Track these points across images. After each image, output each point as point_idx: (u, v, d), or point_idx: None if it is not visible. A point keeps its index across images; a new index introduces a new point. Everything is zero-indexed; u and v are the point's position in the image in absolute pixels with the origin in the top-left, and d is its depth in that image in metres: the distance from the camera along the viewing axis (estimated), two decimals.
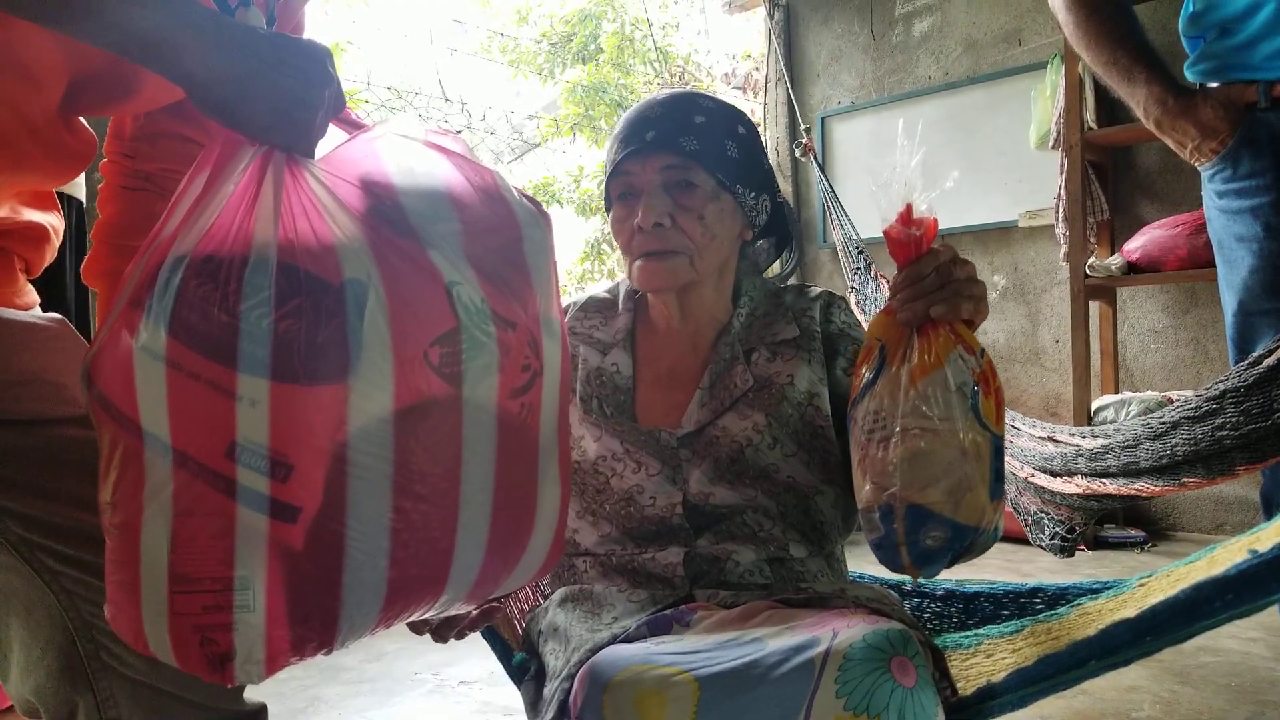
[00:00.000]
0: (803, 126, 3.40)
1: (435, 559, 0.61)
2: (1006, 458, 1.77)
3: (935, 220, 0.78)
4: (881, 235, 0.80)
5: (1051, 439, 1.71)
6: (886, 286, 2.46)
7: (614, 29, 5.68)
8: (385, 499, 0.58)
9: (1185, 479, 1.28)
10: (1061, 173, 3.21)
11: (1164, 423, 1.31)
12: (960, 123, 3.72)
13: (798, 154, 3.12)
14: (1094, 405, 3.08)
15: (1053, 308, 3.53)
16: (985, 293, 0.78)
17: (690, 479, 0.93)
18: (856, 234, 2.80)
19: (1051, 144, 3.30)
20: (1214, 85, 1.19)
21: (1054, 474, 1.61)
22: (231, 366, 0.54)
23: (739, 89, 6.43)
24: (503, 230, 0.68)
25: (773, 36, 4.19)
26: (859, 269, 2.63)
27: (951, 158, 3.75)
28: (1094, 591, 0.85)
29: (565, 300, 1.12)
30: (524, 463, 0.68)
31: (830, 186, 3.03)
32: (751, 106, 5.76)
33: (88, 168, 0.78)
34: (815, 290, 1.05)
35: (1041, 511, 1.69)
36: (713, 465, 0.94)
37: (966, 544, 0.74)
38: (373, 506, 0.57)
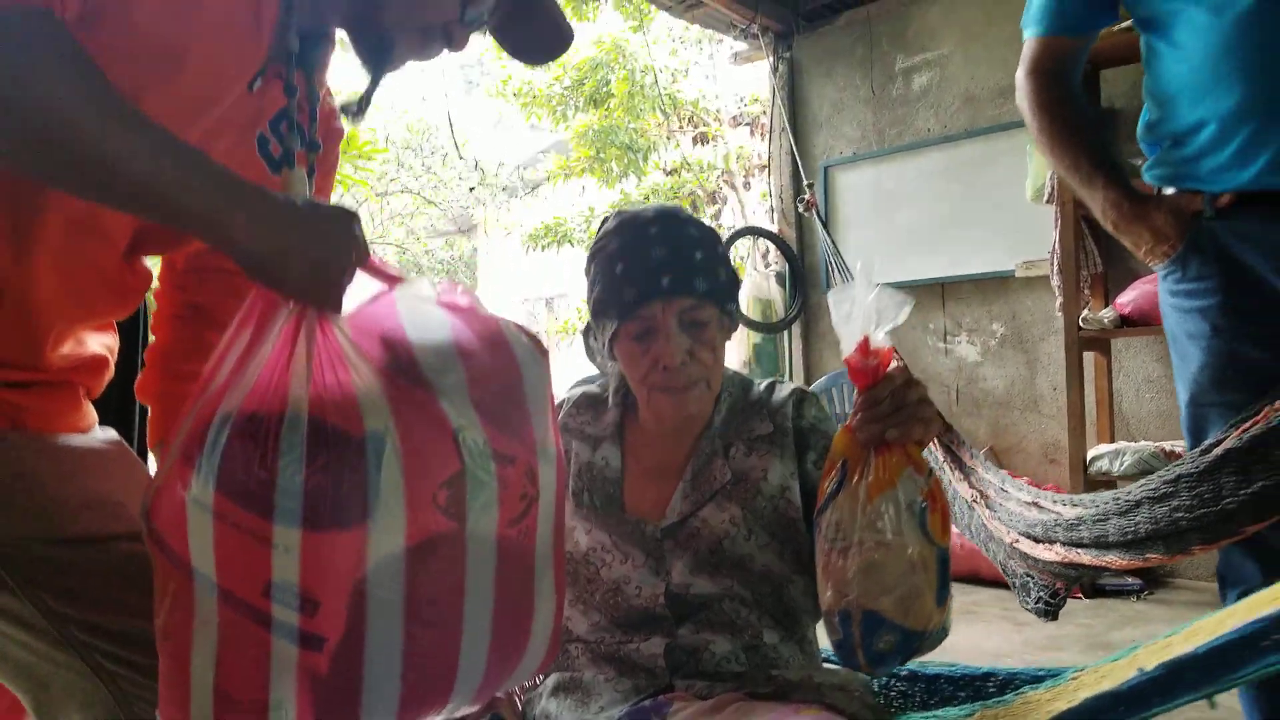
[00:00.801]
0: (805, 182, 3.51)
1: (442, 674, 0.70)
2: (994, 522, 1.86)
3: (891, 349, 0.87)
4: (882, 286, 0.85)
5: (1036, 504, 1.79)
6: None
7: (624, 74, 5.83)
8: (397, 626, 0.67)
9: (1148, 554, 1.36)
10: (1056, 226, 3.30)
11: (1129, 500, 1.39)
12: (958, 174, 3.83)
13: (800, 209, 3.23)
14: (1089, 455, 3.14)
15: (1050, 355, 3.60)
16: (936, 414, 0.87)
17: (673, 570, 1.02)
18: None
19: (1046, 198, 3.39)
20: (1168, 191, 1.29)
21: (1036, 540, 1.68)
22: (269, 519, 0.64)
23: (747, 125, 6.56)
24: (504, 373, 0.78)
25: (776, 89, 4.32)
26: None
27: (950, 208, 3.85)
28: (1037, 680, 0.93)
29: (559, 394, 1.21)
30: (521, 580, 0.78)
31: (832, 242, 3.13)
32: (758, 150, 5.87)
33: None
34: (787, 387, 1.13)
35: (1028, 575, 1.76)
36: (693, 556, 1.02)
37: (915, 646, 0.83)
38: (387, 633, 0.67)
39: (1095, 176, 1.33)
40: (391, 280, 0.81)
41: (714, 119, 6.10)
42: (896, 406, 0.84)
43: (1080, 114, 1.37)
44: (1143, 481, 1.37)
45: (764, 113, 5.06)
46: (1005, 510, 1.84)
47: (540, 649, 0.82)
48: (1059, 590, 1.72)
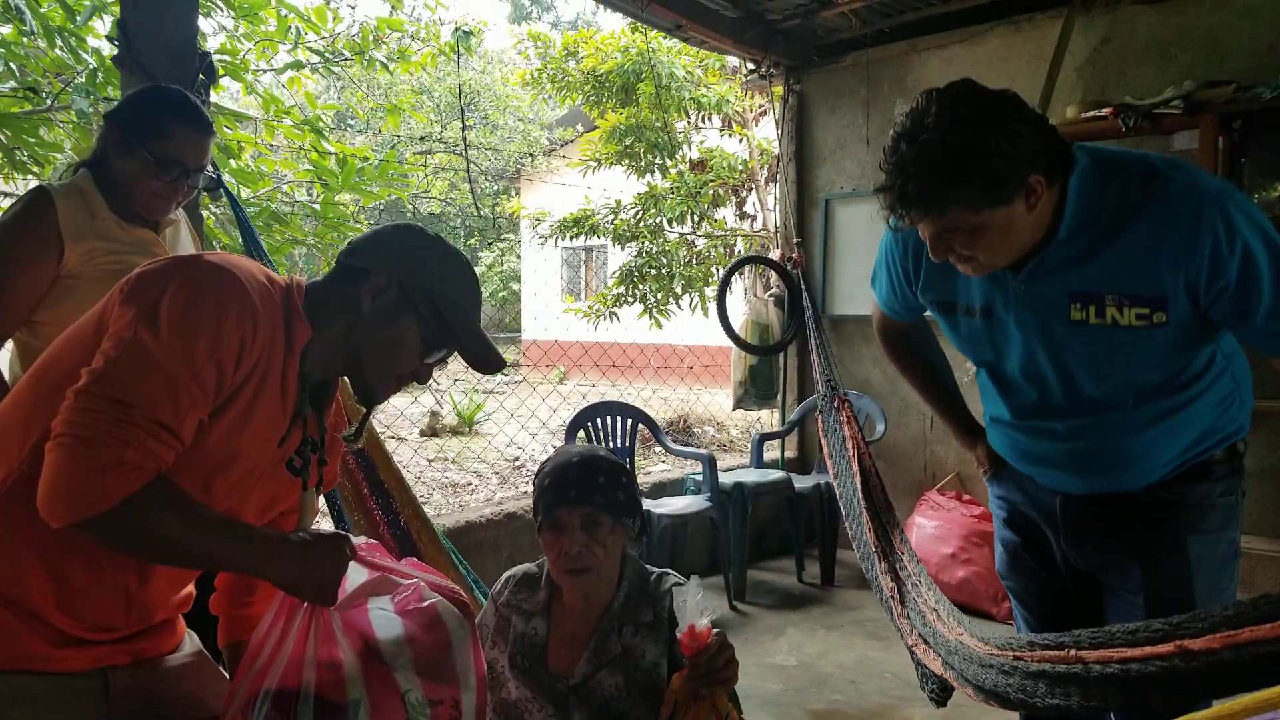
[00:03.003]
0: (795, 240, 3.81)
1: None
2: (904, 621, 2.25)
3: (709, 629, 1.29)
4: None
5: (935, 612, 2.18)
6: (846, 419, 2.88)
7: (649, 74, 6.00)
8: None
9: (990, 702, 1.75)
10: None
11: (988, 663, 1.75)
12: None
13: (788, 267, 3.53)
14: None
15: None
16: (736, 671, 1.29)
17: (573, 718, 1.48)
18: (830, 369, 3.22)
19: None
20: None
21: (927, 646, 2.09)
22: None
23: (773, 120, 6.70)
24: (438, 644, 1.23)
25: (785, 120, 4.55)
26: (825, 395, 3.08)
27: None
28: None
29: (505, 573, 1.65)
30: None
31: (816, 316, 3.46)
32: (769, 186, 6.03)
33: None
34: (669, 580, 1.56)
35: (925, 667, 2.17)
36: (589, 709, 1.48)
37: None
38: None
39: (941, 409, 1.73)
40: (368, 564, 1.26)
41: (736, 116, 6.28)
42: (708, 672, 1.27)
43: (923, 365, 1.76)
44: (1002, 648, 1.73)
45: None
46: (914, 608, 2.23)
47: None
48: (946, 684, 2.13)
